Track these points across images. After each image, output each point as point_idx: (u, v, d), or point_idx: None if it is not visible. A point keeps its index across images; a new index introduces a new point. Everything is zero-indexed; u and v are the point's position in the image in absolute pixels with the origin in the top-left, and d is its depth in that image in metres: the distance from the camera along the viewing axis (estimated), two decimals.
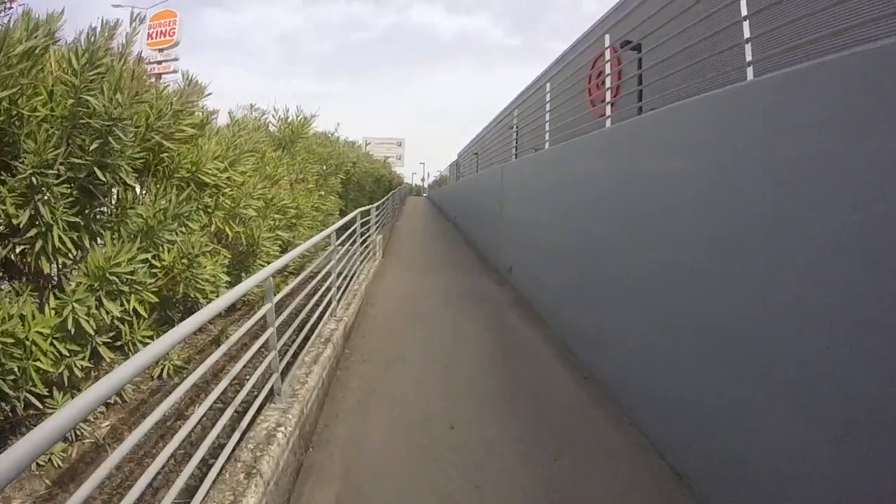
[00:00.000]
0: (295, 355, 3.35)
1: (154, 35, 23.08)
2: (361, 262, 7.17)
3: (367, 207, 7.86)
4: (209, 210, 3.55)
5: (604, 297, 4.00)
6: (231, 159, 3.80)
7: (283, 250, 4.90)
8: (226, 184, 3.74)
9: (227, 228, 3.69)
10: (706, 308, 2.57)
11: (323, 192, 7.08)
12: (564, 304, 4.97)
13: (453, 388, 3.75)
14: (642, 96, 5.89)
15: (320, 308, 4.19)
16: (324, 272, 4.36)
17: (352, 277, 6.24)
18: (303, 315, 3.66)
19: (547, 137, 6.37)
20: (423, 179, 61.11)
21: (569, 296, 4.86)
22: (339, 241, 6.03)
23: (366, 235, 7.96)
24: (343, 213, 10.01)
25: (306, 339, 3.74)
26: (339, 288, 4.89)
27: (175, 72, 23.60)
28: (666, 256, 3.01)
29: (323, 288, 4.42)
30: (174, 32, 23.36)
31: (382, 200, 11.52)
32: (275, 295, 2.75)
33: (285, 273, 6.16)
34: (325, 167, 7.26)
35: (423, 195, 51.20)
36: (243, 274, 4.12)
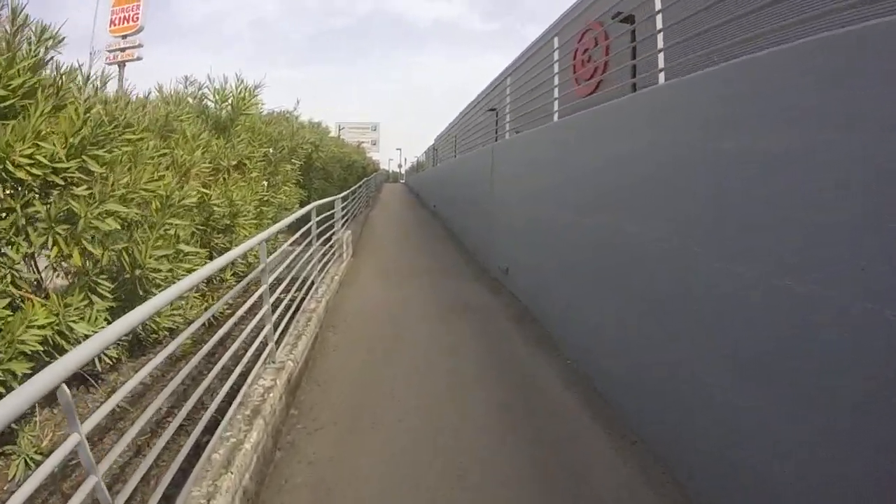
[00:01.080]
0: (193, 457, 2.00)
1: (117, 21, 21.50)
2: (322, 268, 5.79)
3: (329, 199, 6.45)
4: (39, 223, 2.15)
5: (648, 326, 2.76)
6: (99, 140, 2.39)
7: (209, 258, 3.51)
8: (80, 178, 2.33)
9: (75, 253, 2.29)
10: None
11: (269, 182, 5.65)
12: (586, 326, 3.73)
13: (454, 481, 2.46)
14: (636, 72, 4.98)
15: (247, 355, 2.85)
16: (255, 296, 2.98)
17: (307, 291, 4.87)
18: (213, 377, 2.32)
19: (556, 107, 5.06)
20: (399, 165, 59.39)
21: (592, 316, 3.61)
22: (288, 243, 4.68)
23: (329, 233, 6.57)
24: (304, 205, 8.58)
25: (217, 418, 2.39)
26: (279, 318, 3.53)
27: (139, 59, 21.83)
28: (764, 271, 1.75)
29: (253, 322, 3.05)
30: (138, 18, 21.68)
31: (352, 189, 10.09)
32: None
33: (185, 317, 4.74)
34: (274, 151, 5.80)
35: (401, 181, 49.59)
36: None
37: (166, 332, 3.56)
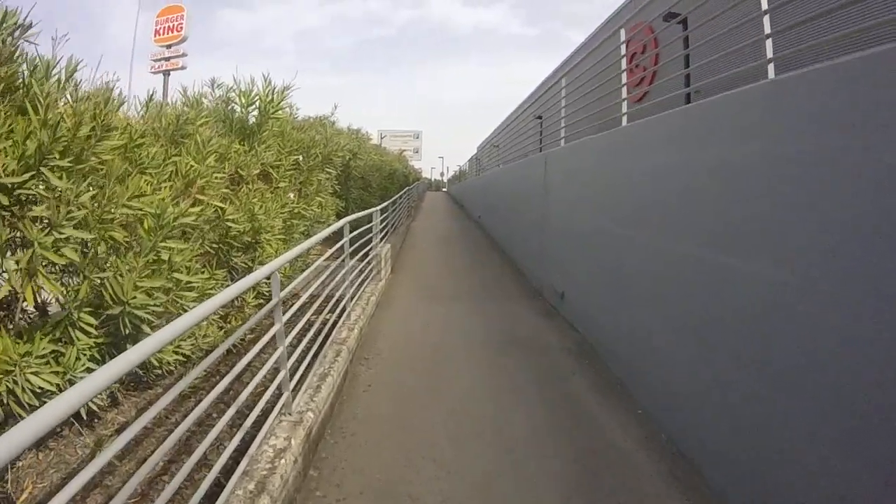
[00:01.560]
0: None
1: (161, 31, 22.34)
2: (356, 289, 5.26)
3: (366, 212, 5.93)
4: None
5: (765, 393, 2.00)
6: (69, 147, 1.91)
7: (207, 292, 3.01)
8: (42, 195, 1.84)
9: (28, 292, 1.79)
10: None
11: (300, 192, 5.18)
12: (670, 373, 2.97)
13: None
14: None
15: (260, 404, 2.29)
16: (267, 336, 2.42)
17: (340, 314, 4.33)
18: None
19: (624, 109, 4.32)
20: (441, 174, 59.35)
21: (681, 365, 2.86)
22: (324, 258, 4.17)
23: (366, 248, 6.04)
24: (342, 217, 8.14)
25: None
26: (303, 352, 2.97)
27: (184, 68, 22.68)
28: None
29: (267, 365, 2.48)
30: (182, 28, 22.48)
31: (393, 199, 9.59)
32: None
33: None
34: (305, 158, 5.33)
35: (443, 190, 49.34)
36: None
37: (171, 368, 3.08)
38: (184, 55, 22.45)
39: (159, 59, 22.10)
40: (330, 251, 4.96)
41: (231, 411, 2.12)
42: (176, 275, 2.47)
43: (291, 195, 4.52)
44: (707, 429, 2.61)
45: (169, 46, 22.16)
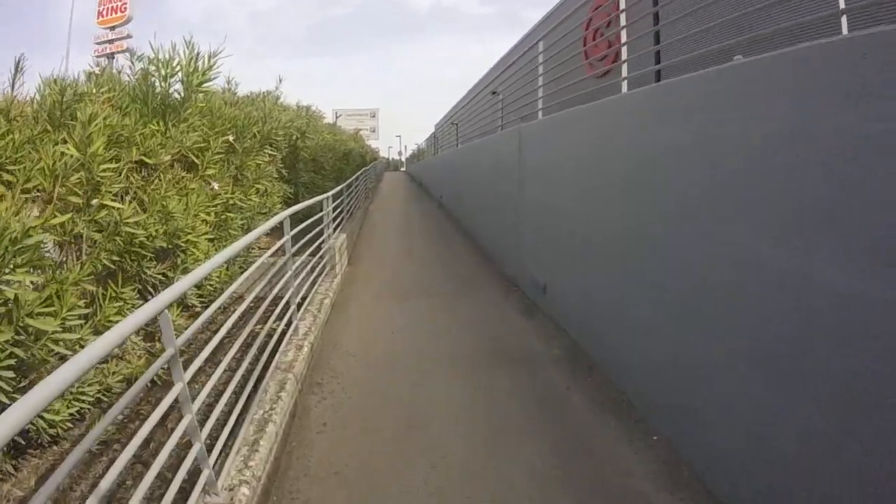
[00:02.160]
0: None
1: (105, 12, 20.61)
2: (308, 288, 4.51)
3: (314, 200, 5.14)
4: None
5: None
6: None
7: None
8: None
9: None
10: None
11: (229, 181, 4.33)
12: (695, 393, 2.42)
13: None
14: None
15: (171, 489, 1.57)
16: (165, 404, 1.68)
17: (282, 335, 3.59)
18: None
19: (624, 72, 3.67)
20: (399, 153, 58.03)
21: (715, 382, 2.31)
22: (269, 254, 3.43)
23: (318, 241, 5.26)
24: (289, 204, 7.26)
25: None
26: (235, 392, 2.23)
27: (127, 50, 21.03)
28: None
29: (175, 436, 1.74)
30: (126, 8, 20.75)
31: (348, 182, 8.74)
32: None
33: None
34: (239, 139, 4.47)
35: (401, 169, 48.20)
36: None
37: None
38: (128, 37, 20.60)
39: (103, 42, 20.53)
40: (277, 244, 4.17)
41: None
42: (31, 321, 1.67)
43: (216, 185, 3.66)
44: (742, 466, 2.06)
45: (113, 28, 20.50)
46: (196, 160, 3.74)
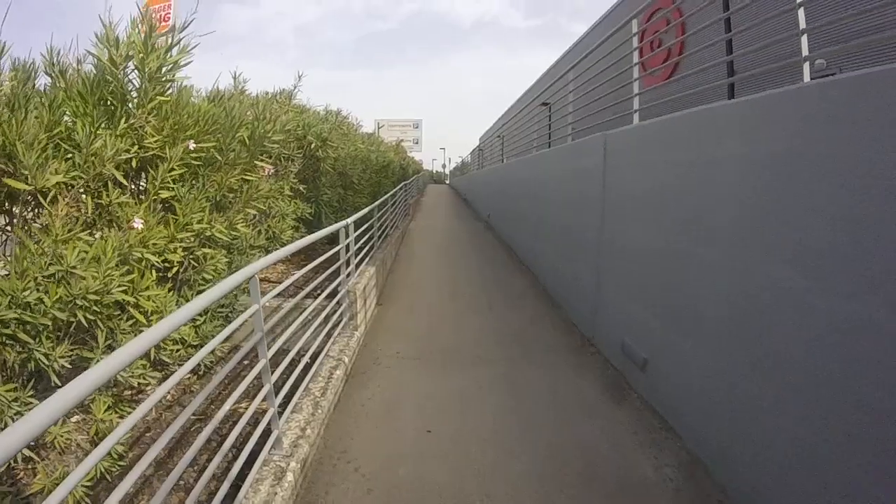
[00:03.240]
0: None
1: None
2: (316, 346, 3.23)
3: (328, 231, 3.85)
4: None
5: None
6: None
7: None
8: None
9: None
10: None
11: (216, 200, 3.12)
12: None
13: None
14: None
15: None
16: None
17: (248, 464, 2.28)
18: None
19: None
20: (444, 165, 57.33)
21: None
22: (273, 294, 2.16)
23: (334, 282, 3.99)
24: (310, 227, 6.06)
25: None
26: None
27: (174, 28, 21.83)
28: None
29: None
30: (169, 17, 21.31)
31: (383, 200, 7.50)
32: None
33: None
34: (223, 146, 3.25)
35: (446, 182, 47.31)
36: None
37: None
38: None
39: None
40: (302, 271, 2.93)
41: None
42: None
43: (138, 223, 2.39)
44: None
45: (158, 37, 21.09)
46: (151, 173, 2.52)
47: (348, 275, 4.39)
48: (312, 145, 5.41)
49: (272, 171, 4.47)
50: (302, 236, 5.75)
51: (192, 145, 2.87)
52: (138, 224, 2.34)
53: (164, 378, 2.47)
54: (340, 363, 3.73)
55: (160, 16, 23.83)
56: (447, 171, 53.68)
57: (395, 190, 10.53)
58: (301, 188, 5.98)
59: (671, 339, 3.16)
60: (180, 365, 2.03)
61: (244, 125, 3.44)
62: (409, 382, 3.78)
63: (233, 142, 3.37)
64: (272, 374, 2.45)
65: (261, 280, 5.62)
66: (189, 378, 3.48)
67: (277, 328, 4.25)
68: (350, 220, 4.23)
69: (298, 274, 3.32)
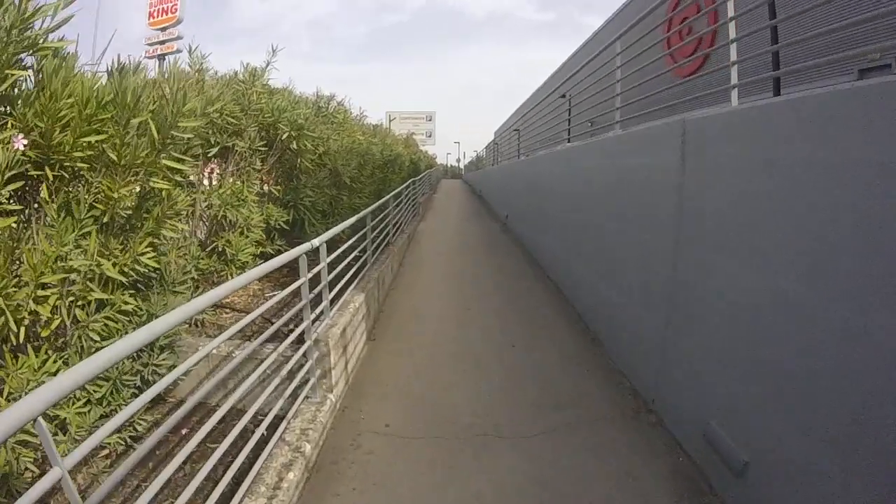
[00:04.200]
0: None
1: (155, 14, 21.45)
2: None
3: (289, 253, 2.67)
4: None
5: None
6: None
7: None
8: None
9: None
10: None
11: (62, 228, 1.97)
12: None
13: None
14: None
15: None
16: None
17: None
18: None
19: None
20: (458, 160, 56.14)
21: None
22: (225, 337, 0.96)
23: (300, 332, 2.85)
24: (291, 239, 4.94)
25: None
26: None
27: (179, 51, 21.43)
28: None
29: None
30: (176, 9, 21.52)
31: (377, 205, 6.34)
32: None
33: None
34: (112, 138, 2.09)
35: (461, 177, 46.12)
36: None
37: None
38: (179, 38, 21.14)
39: (154, 44, 21.01)
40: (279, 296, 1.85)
41: None
42: None
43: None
44: None
45: (164, 29, 20.95)
46: None
47: (318, 317, 3.23)
48: (285, 135, 4.25)
49: (214, 169, 3.35)
50: (270, 255, 4.62)
51: (19, 142, 1.73)
52: None
53: None
54: (298, 455, 2.57)
55: (166, 7, 23.05)
56: (461, 166, 52.51)
57: (400, 188, 9.36)
58: (275, 190, 4.84)
59: (801, 446, 1.95)
60: None
61: (147, 110, 2.27)
62: (400, 482, 2.61)
63: (127, 133, 2.21)
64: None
65: (221, 307, 4.46)
66: None
67: (229, 382, 3.17)
68: (319, 240, 3.04)
69: (245, 321, 2.19)
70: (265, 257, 4.80)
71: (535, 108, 11.29)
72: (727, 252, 2.56)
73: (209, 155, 3.89)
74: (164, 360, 2.85)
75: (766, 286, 2.23)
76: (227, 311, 4.39)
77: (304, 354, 3.03)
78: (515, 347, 4.43)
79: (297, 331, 2.97)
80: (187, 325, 3.78)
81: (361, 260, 5.00)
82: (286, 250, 4.32)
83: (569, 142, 8.16)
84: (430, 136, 44.02)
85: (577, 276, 5.42)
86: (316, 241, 2.93)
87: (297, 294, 3.19)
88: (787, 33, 3.42)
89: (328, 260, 3.30)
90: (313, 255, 3.18)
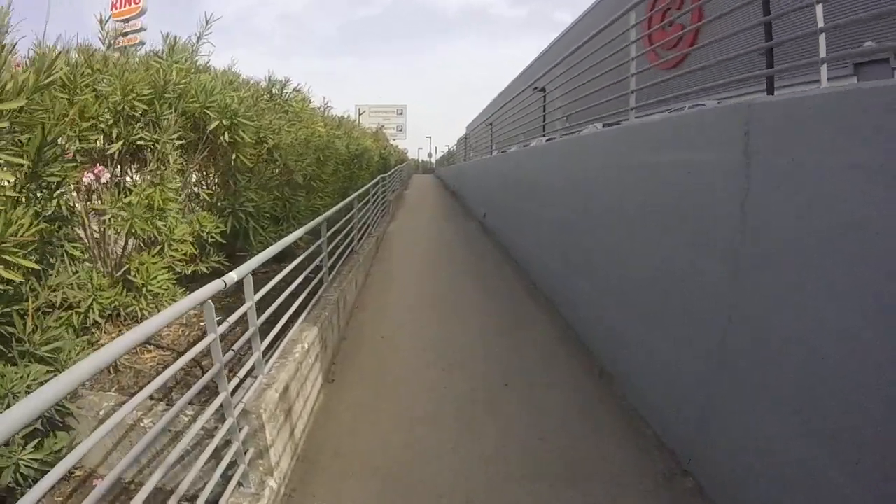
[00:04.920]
0: None
1: (118, 4, 21.30)
2: None
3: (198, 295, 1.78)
4: None
5: None
6: None
7: None
8: None
9: None
10: None
11: None
12: None
13: None
14: None
15: None
16: None
17: None
18: None
19: None
20: (430, 154, 55.26)
21: None
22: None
23: (217, 404, 1.96)
24: (232, 256, 4.04)
25: None
26: None
27: (142, 43, 20.40)
28: None
29: None
30: (139, 0, 21.47)
31: (332, 211, 5.45)
32: None
33: None
34: None
35: (432, 171, 45.20)
36: None
37: None
38: (142, 29, 20.78)
39: (116, 37, 20.60)
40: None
41: None
42: None
43: None
44: None
45: (126, 20, 20.31)
46: None
47: (239, 384, 2.35)
48: (214, 125, 3.33)
49: (103, 172, 2.45)
50: (204, 276, 3.71)
51: None
52: None
53: None
54: None
55: None
56: (433, 161, 51.65)
57: (368, 185, 8.46)
58: (205, 194, 3.89)
59: None
60: None
61: None
62: None
63: None
64: None
65: (142, 345, 3.51)
66: None
67: (142, 458, 2.31)
68: (239, 272, 2.14)
69: (151, 387, 1.35)
70: (197, 279, 3.88)
71: (559, 80, 10.49)
72: (818, 286, 1.79)
73: (107, 153, 2.94)
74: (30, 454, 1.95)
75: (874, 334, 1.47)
76: (151, 348, 3.44)
77: (228, 433, 2.15)
78: (510, 389, 3.62)
79: (216, 403, 2.09)
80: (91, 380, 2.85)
81: (318, 279, 4.10)
82: (227, 267, 3.42)
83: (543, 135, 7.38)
84: (401, 130, 42.96)
85: (576, 294, 4.64)
86: (234, 275, 2.04)
87: (243, 320, 2.32)
88: None
89: (262, 293, 2.42)
90: (236, 290, 2.30)
